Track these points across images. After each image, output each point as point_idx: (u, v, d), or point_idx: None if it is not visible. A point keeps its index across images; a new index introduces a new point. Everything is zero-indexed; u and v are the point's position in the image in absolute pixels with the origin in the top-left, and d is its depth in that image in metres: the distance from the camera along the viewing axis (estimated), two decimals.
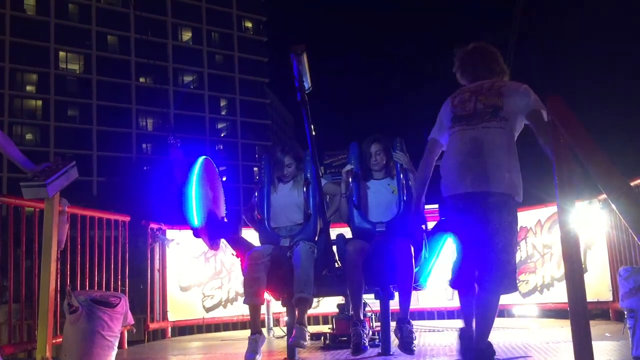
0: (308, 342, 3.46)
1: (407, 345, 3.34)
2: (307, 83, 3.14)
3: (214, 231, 3.70)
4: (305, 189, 3.81)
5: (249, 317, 3.50)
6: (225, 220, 4.00)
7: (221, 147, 51.31)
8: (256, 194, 3.90)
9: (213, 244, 3.74)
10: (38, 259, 3.78)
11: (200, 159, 3.68)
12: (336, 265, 3.76)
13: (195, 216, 3.51)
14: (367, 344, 3.44)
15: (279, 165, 3.90)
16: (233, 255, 3.86)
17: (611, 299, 4.86)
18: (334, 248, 3.80)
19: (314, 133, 3.30)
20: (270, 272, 3.52)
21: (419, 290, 3.86)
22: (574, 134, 1.76)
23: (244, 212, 4.01)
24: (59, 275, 3.99)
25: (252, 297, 3.45)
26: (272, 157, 4.00)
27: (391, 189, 3.85)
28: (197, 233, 3.58)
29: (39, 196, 3.38)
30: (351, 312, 3.72)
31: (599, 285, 4.97)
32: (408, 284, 3.46)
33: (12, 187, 30.63)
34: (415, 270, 3.50)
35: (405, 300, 3.48)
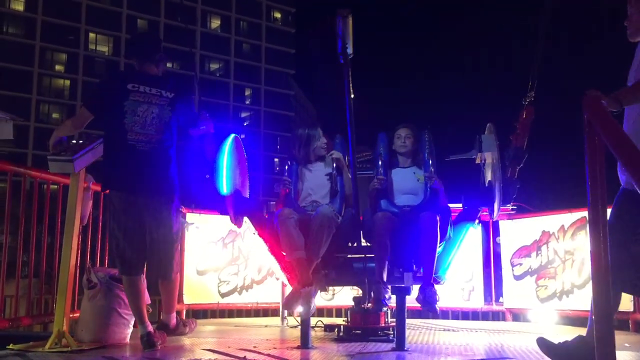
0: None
1: (430, 301, 3.33)
2: (350, 48, 3.20)
3: (239, 206, 3.75)
4: (334, 165, 3.89)
5: (297, 272, 3.49)
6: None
7: (243, 137, 51.52)
8: (287, 167, 4.04)
9: (237, 218, 3.76)
10: (60, 235, 3.82)
11: (232, 135, 3.76)
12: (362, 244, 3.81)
13: (225, 184, 3.57)
14: (387, 298, 3.44)
15: (309, 139, 4.02)
16: (254, 234, 3.87)
17: (632, 309, 4.76)
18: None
19: (352, 95, 3.38)
20: None
21: (438, 284, 3.84)
22: (611, 134, 1.72)
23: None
24: (79, 251, 4.04)
25: (295, 252, 3.48)
26: (302, 134, 4.08)
27: (417, 177, 3.90)
28: (223, 202, 3.62)
29: (65, 171, 3.42)
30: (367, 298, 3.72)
31: None
32: (433, 246, 3.47)
33: (36, 164, 31.16)
34: (439, 244, 3.53)
35: (429, 264, 3.48)
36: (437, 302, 3.39)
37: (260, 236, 3.78)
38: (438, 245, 3.52)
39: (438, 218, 3.49)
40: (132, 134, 3.35)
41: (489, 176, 3.87)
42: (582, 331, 2.72)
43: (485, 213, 4.08)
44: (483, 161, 3.92)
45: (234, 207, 3.66)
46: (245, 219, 3.82)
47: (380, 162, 3.97)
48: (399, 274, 3.59)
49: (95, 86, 3.68)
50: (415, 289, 3.56)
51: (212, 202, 3.74)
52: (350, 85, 3.33)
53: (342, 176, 3.94)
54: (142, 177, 3.38)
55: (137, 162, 3.36)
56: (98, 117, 3.44)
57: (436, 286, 3.49)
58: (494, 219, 4.30)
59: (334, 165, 3.92)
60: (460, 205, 3.94)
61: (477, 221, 4.01)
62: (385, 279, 3.50)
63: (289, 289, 4.23)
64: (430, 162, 3.96)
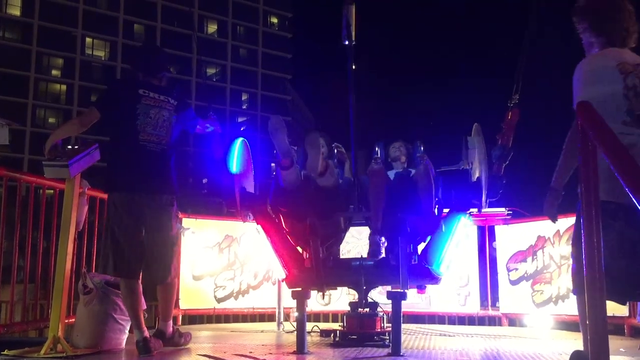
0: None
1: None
2: (352, 31, 3.69)
3: (244, 197, 3.86)
4: (335, 151, 4.17)
5: None
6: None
7: (244, 128, 51.61)
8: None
9: (242, 209, 3.80)
10: (55, 240, 3.81)
11: (241, 139, 3.99)
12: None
13: (235, 163, 3.74)
14: (382, 244, 3.68)
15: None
16: (258, 231, 3.92)
17: (627, 314, 4.77)
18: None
19: (354, 67, 3.80)
20: (295, 195, 3.80)
21: (436, 284, 3.87)
22: (605, 141, 1.73)
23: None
24: (75, 256, 4.03)
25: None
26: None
27: (411, 173, 4.17)
28: (232, 185, 3.72)
29: (61, 176, 3.42)
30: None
31: None
32: (429, 188, 3.76)
33: (32, 169, 31.08)
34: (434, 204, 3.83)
35: (428, 204, 3.80)
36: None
37: (263, 229, 3.84)
38: (433, 198, 3.78)
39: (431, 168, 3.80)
40: (144, 135, 3.44)
41: (476, 173, 3.94)
42: (577, 335, 2.73)
43: (476, 215, 4.18)
44: (470, 164, 4.00)
45: (241, 192, 3.78)
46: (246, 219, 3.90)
47: (377, 149, 4.19)
48: (394, 261, 3.64)
49: (106, 89, 3.83)
50: (412, 292, 3.63)
51: (220, 188, 3.80)
52: (353, 61, 3.78)
53: (343, 169, 4.20)
54: (149, 177, 3.45)
55: (145, 162, 3.44)
56: (106, 119, 3.50)
57: (434, 286, 3.64)
58: (483, 210, 4.37)
59: (335, 152, 4.16)
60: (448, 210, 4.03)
61: (467, 214, 4.09)
62: (379, 227, 3.71)
63: (284, 296, 4.35)
64: (422, 148, 4.21)
